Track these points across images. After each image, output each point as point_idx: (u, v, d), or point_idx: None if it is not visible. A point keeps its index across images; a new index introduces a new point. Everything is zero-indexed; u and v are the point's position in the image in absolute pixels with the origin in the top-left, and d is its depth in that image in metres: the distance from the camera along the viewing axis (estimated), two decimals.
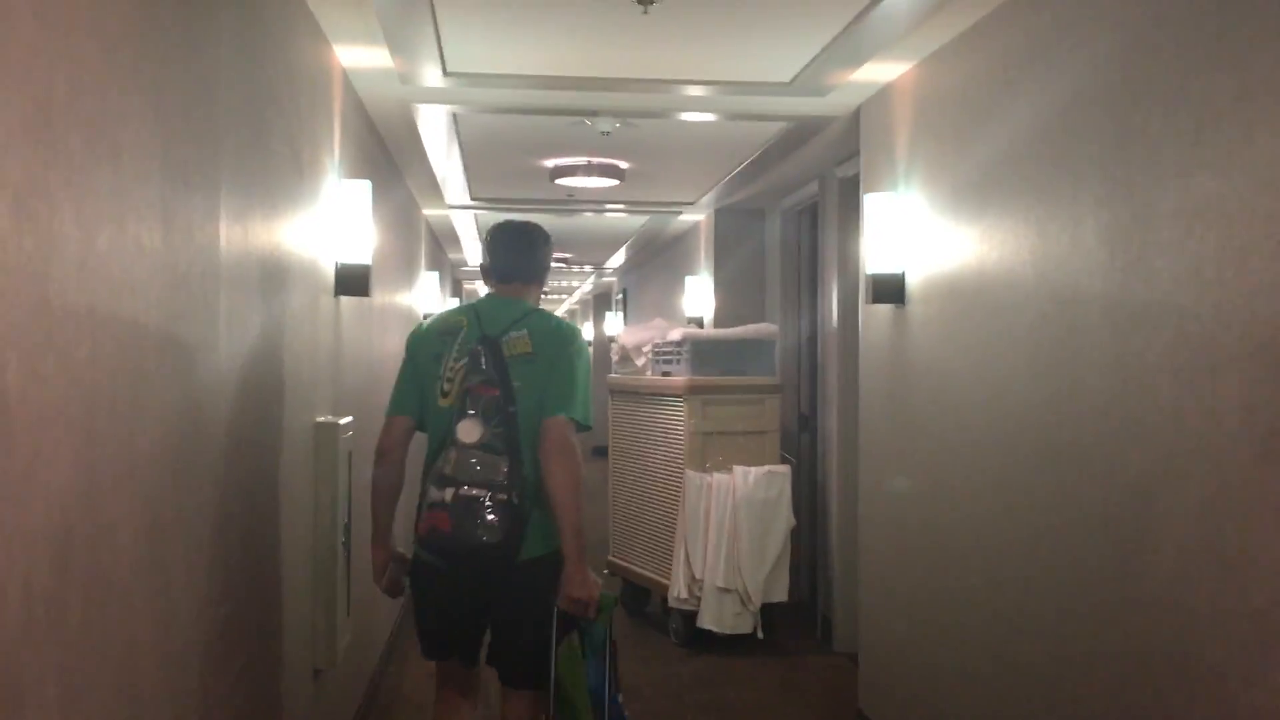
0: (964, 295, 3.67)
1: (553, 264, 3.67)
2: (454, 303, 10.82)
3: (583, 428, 3.04)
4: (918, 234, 4.11)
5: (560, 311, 21.10)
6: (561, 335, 3.15)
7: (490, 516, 2.88)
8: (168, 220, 2.00)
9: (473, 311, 3.18)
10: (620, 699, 3.12)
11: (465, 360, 3.05)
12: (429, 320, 3.43)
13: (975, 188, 3.60)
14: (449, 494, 2.92)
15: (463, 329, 3.12)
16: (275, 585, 3.02)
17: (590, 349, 4.02)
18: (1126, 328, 2.63)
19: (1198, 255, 2.35)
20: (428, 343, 3.19)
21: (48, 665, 1.50)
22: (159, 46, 1.97)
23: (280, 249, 3.05)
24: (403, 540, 3.48)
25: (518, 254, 3.31)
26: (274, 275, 2.96)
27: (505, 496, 2.89)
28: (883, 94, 4.49)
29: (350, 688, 4.46)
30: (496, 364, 3.01)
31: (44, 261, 1.48)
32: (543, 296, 5.03)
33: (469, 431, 2.95)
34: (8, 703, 1.38)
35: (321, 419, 3.65)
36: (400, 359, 3.25)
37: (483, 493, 2.89)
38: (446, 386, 3.08)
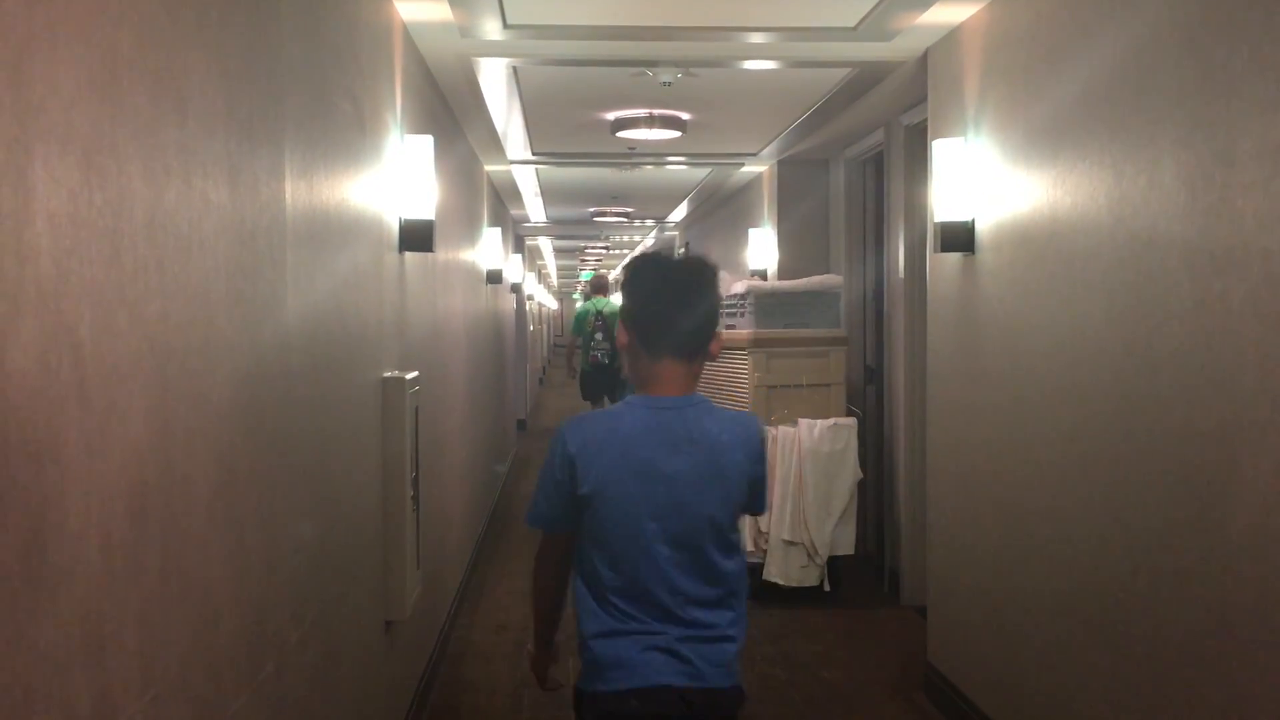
0: (1036, 242, 3.58)
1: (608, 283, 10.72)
2: (516, 258, 11.96)
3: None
4: (987, 180, 4.02)
5: (624, 264, 24.08)
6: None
7: (609, 358, 10.67)
8: (233, 176, 2.01)
9: (594, 305, 11.21)
10: None
11: (600, 321, 10.93)
12: (581, 305, 12.37)
13: (1048, 130, 3.50)
14: (599, 354, 10.88)
15: (593, 310, 11.11)
16: (346, 538, 3.07)
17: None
18: (1208, 272, 2.55)
19: None
20: (584, 315, 11.25)
21: (128, 615, 1.52)
22: (221, 2, 1.97)
23: (345, 205, 3.06)
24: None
25: (603, 290, 11.54)
26: (339, 231, 2.97)
27: (610, 353, 10.62)
28: (951, 37, 4.38)
29: (421, 639, 4.53)
30: (607, 323, 10.78)
31: (114, 217, 1.49)
32: (610, 282, 12.92)
33: (600, 339, 10.88)
34: (89, 650, 1.40)
35: (389, 374, 3.68)
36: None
37: (605, 352, 10.76)
38: (590, 328, 11.08)
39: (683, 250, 14.19)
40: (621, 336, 2.26)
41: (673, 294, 2.22)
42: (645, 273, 2.28)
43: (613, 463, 2.16)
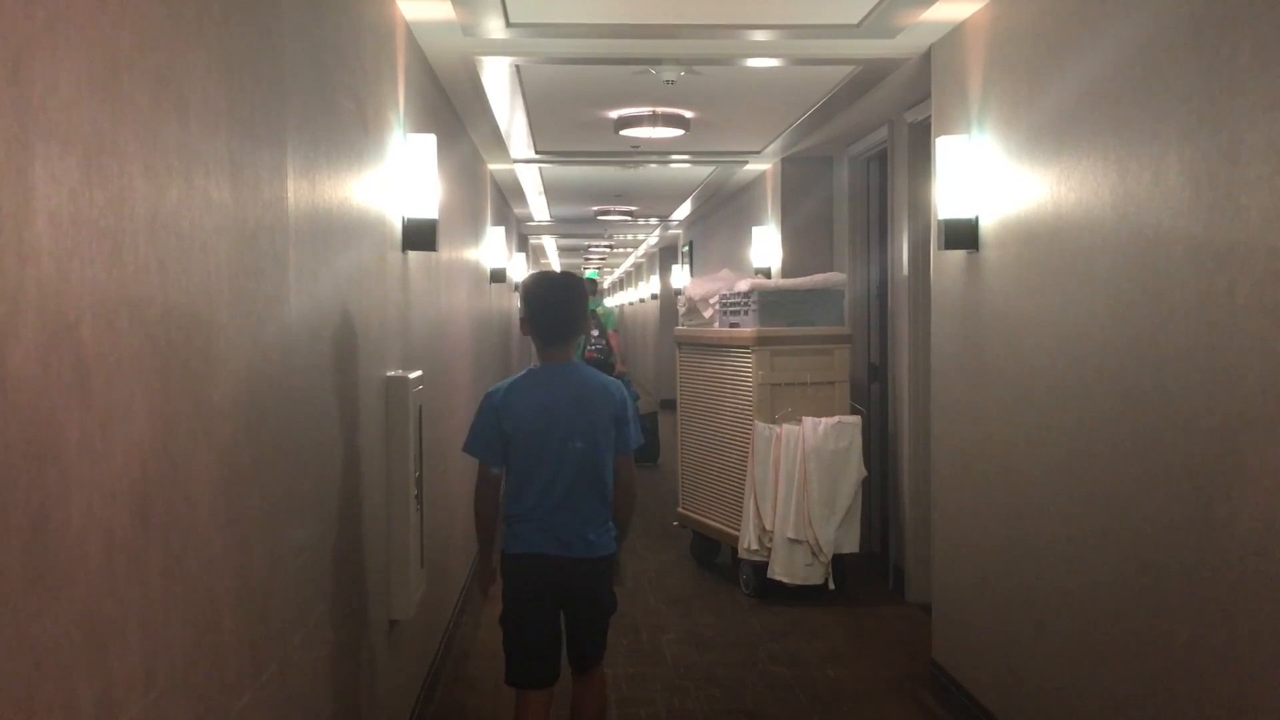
0: (1040, 238, 3.58)
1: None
2: (520, 257, 11.93)
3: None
4: (991, 177, 4.02)
5: (628, 264, 24.32)
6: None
7: (603, 354, 11.17)
8: (235, 175, 2.01)
9: (589, 305, 8.08)
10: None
11: (594, 320, 9.97)
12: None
13: (1052, 127, 3.49)
14: (594, 350, 11.12)
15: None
16: (350, 537, 3.07)
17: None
18: (1212, 268, 2.54)
19: None
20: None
21: (130, 614, 1.52)
22: (223, 1, 1.96)
23: (347, 204, 3.05)
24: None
25: (595, 292, 11.49)
26: (342, 230, 2.97)
27: (604, 349, 11.33)
28: (955, 34, 4.38)
29: (426, 638, 4.53)
30: (600, 322, 11.45)
31: (115, 216, 1.48)
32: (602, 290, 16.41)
33: (595, 336, 11.27)
34: (91, 650, 1.40)
35: (392, 373, 3.67)
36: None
37: (600, 349, 11.23)
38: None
39: (686, 249, 14.20)
40: (525, 329, 3.42)
41: (555, 304, 3.39)
42: (535, 289, 3.43)
43: (526, 406, 3.31)
